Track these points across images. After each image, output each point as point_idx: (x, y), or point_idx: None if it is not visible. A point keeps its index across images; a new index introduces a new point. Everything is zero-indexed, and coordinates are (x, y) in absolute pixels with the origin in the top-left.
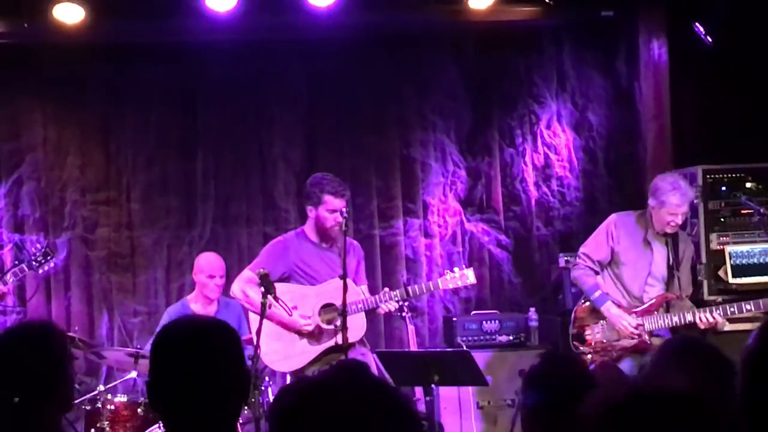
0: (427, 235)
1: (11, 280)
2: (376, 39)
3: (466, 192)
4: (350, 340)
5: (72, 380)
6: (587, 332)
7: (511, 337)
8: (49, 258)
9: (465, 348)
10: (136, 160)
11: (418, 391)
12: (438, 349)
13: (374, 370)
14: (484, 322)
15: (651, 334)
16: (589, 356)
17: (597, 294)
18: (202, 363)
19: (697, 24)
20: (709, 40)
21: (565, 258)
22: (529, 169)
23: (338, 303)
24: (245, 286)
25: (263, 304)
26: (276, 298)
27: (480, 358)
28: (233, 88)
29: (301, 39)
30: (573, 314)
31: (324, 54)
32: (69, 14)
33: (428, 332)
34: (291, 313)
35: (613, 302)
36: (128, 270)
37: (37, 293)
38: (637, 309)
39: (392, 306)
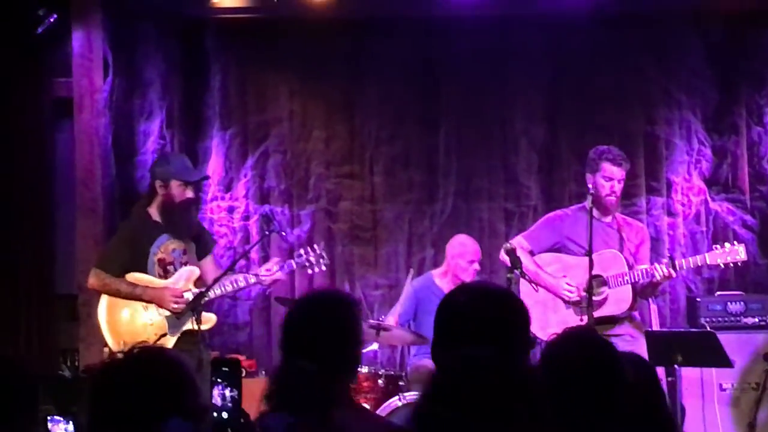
0: (670, 213)
1: (286, 268)
2: (618, 14)
3: (711, 171)
4: (612, 313)
5: (359, 351)
6: None
7: (756, 319)
8: (322, 262)
9: (708, 329)
10: (379, 134)
11: (660, 371)
12: (682, 329)
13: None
14: (728, 303)
15: None
16: None
17: None
18: None
19: None
20: None
21: None
22: None
23: (606, 275)
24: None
25: (509, 279)
26: (523, 274)
27: (723, 339)
28: (475, 62)
29: (544, 14)
30: None
31: (566, 30)
32: None
33: (669, 312)
34: (537, 290)
35: None
36: (370, 243)
37: None
38: None
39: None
